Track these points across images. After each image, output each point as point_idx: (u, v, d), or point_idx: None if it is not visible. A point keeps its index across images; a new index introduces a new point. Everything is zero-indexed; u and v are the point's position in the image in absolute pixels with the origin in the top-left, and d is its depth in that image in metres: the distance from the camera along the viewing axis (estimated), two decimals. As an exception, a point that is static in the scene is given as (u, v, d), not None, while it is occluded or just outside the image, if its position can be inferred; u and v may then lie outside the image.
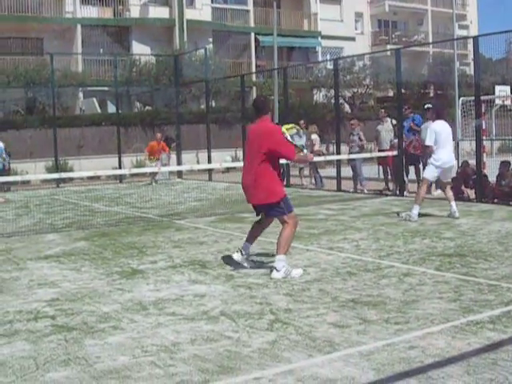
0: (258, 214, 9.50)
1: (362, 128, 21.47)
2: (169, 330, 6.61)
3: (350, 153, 20.77)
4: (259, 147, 8.90)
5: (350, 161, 20.92)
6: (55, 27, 41.24)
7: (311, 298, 7.64)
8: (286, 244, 8.89)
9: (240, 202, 17.91)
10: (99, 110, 38.83)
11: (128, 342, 6.27)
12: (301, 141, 10.69)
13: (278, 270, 8.69)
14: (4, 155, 22.34)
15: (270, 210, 9.12)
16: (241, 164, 25.58)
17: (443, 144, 13.61)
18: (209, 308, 7.38)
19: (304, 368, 5.45)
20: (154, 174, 26.64)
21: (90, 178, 28.33)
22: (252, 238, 9.62)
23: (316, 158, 21.75)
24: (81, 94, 40.53)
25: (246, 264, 9.40)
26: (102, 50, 42.75)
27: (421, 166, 18.88)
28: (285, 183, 22.90)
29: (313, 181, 22.93)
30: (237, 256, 9.41)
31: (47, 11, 41.68)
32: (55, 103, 29.79)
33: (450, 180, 14.82)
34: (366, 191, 20.11)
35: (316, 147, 23.13)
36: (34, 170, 30.43)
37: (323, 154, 23.71)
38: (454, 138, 18.49)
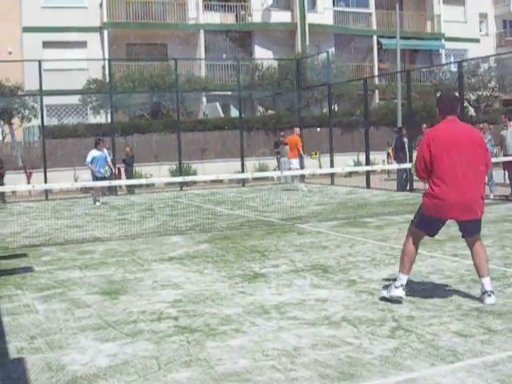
0: (435, 235, 8.10)
1: (491, 132, 20.97)
2: (290, 335, 6.61)
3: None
4: (479, 156, 7.57)
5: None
6: (179, 33, 42.09)
7: (434, 305, 7.51)
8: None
9: (362, 207, 17.87)
10: (222, 115, 39.33)
11: (249, 345, 6.31)
12: None
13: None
14: (109, 162, 22.89)
15: (476, 226, 7.81)
16: (363, 168, 25.51)
17: None
18: (330, 313, 7.35)
19: (426, 377, 5.35)
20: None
21: (213, 182, 28.74)
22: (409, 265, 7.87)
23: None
24: (204, 99, 41.18)
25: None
26: (224, 55, 43.29)
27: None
28: (408, 188, 22.71)
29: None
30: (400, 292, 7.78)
31: (171, 18, 42.57)
32: (179, 108, 30.33)
33: None
34: (492, 197, 19.63)
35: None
36: (159, 173, 31.12)
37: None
38: None
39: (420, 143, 7.81)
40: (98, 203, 21.62)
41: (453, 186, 7.41)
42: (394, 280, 7.82)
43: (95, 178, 21.78)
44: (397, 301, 7.56)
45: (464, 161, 7.40)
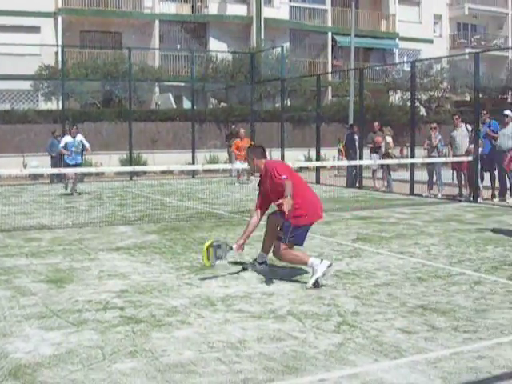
0: None
1: (441, 132, 21.21)
2: (236, 327, 6.63)
3: (429, 157, 20.56)
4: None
5: (428, 165, 20.68)
6: (134, 22, 41.78)
7: (380, 302, 7.58)
8: None
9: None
10: (174, 106, 39.20)
11: (195, 337, 6.31)
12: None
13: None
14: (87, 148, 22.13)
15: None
16: (313, 163, 25.63)
17: None
18: (276, 307, 7.37)
19: (369, 372, 5.40)
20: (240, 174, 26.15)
21: (163, 172, 28.63)
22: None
23: (389, 161, 21.70)
24: (157, 89, 40.98)
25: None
26: (179, 46, 43.09)
27: (496, 172, 18.59)
28: (357, 185, 22.87)
29: (385, 183, 22.74)
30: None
31: (127, 6, 42.18)
32: (131, 97, 30.14)
33: None
34: (440, 196, 19.87)
35: (389, 150, 22.98)
36: (108, 163, 30.90)
37: (395, 157, 23.48)
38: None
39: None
40: (75, 193, 21.05)
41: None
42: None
43: (66, 166, 21.18)
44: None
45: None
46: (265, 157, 9.06)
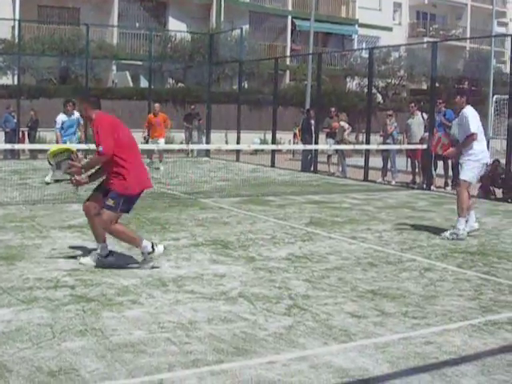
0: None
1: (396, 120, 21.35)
2: (186, 308, 6.64)
3: (384, 143, 20.71)
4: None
5: (382, 151, 20.82)
6: (93, -2, 41.32)
7: (330, 285, 7.63)
8: None
9: (266, 185, 18.01)
10: (131, 84, 38.92)
11: (145, 317, 6.31)
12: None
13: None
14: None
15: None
16: (269, 146, 25.66)
17: (481, 135, 11.45)
18: (228, 289, 7.39)
19: (318, 355, 5.45)
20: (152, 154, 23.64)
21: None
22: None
23: (344, 147, 21.80)
24: (114, 67, 40.64)
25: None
26: (137, 24, 42.73)
27: (449, 161, 18.78)
28: (312, 169, 22.94)
29: (340, 169, 22.86)
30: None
31: (86, -19, 41.70)
32: (88, 74, 29.83)
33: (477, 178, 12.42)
34: (393, 183, 20.03)
35: (346, 134, 23.10)
36: (63, 140, 30.54)
37: (350, 143, 23.58)
38: (485, 135, 18.29)
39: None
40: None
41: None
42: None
43: None
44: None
45: None
46: (99, 107, 8.49)
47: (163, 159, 22.93)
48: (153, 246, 8.17)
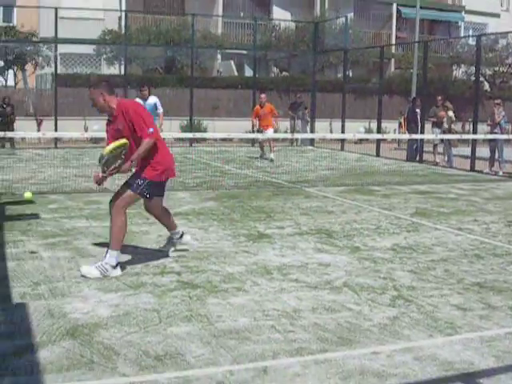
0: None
1: (504, 109, 20.86)
2: (291, 296, 6.66)
3: (491, 133, 20.26)
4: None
5: (490, 141, 20.38)
6: (198, -12, 41.74)
7: (436, 277, 7.54)
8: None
9: (370, 174, 17.89)
10: (236, 73, 39.17)
11: (250, 305, 6.36)
12: None
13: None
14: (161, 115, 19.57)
15: None
16: (374, 136, 25.47)
17: None
18: (332, 278, 7.39)
19: (423, 347, 5.40)
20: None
21: (223, 140, 28.67)
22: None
23: (451, 136, 21.41)
24: (219, 56, 40.96)
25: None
26: (242, 14, 42.95)
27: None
28: (418, 159, 22.65)
29: (446, 158, 22.50)
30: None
31: (191, -28, 42.17)
32: (194, 64, 30.16)
33: None
34: (501, 173, 19.60)
35: (451, 124, 22.68)
36: (169, 128, 30.96)
37: (456, 132, 23.13)
38: None
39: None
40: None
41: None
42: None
43: None
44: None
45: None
46: (114, 93, 7.88)
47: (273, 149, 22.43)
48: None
